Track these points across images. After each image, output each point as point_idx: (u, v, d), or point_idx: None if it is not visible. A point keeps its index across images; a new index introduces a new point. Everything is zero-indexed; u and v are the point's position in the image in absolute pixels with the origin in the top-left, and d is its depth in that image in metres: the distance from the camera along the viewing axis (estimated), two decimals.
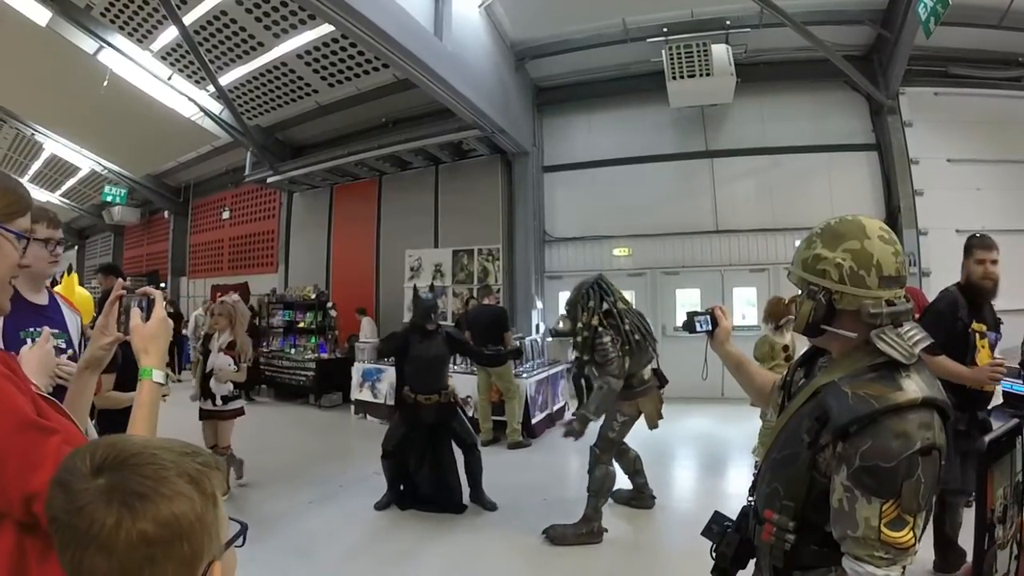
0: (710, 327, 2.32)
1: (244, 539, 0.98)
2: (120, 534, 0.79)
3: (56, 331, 2.50)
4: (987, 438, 0.73)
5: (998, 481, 0.77)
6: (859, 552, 1.45)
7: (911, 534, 1.42)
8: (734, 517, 1.99)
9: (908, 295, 1.69)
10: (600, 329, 5.27)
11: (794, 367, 1.93)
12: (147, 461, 0.85)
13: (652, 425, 5.62)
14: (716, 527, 2.00)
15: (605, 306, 5.41)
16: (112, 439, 0.91)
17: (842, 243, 1.64)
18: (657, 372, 5.76)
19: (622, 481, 6.13)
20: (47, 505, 0.86)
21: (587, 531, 5.22)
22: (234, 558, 0.97)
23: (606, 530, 5.30)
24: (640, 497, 6.06)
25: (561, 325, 5.79)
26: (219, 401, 6.11)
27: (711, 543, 1.99)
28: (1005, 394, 7.93)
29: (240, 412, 6.35)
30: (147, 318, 1.64)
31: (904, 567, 1.45)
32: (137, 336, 1.61)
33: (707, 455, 8.14)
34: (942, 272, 9.49)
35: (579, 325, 5.40)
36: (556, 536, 5.21)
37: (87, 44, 10.76)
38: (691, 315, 2.36)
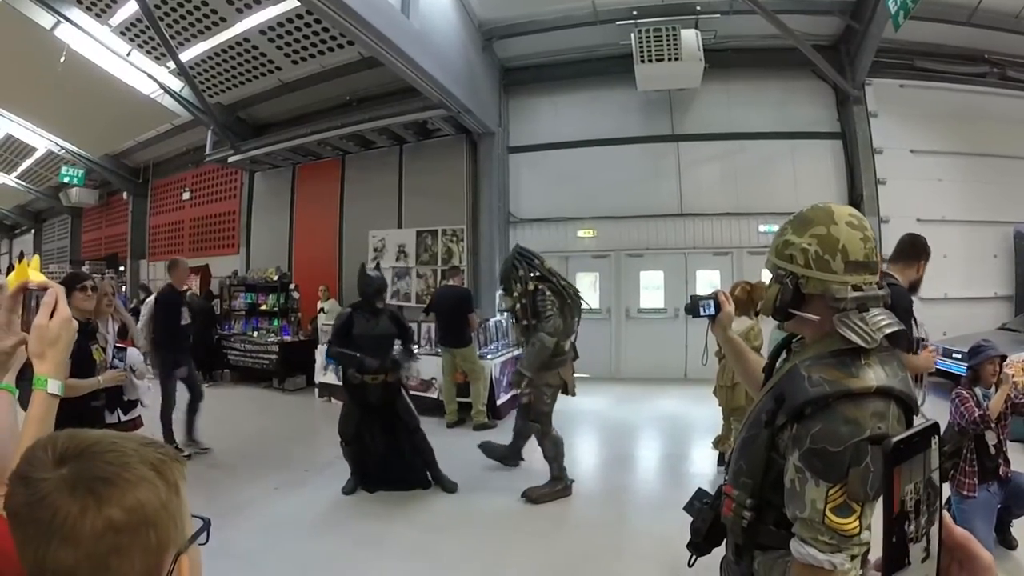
0: (714, 311, 2.30)
1: (208, 536, 0.93)
2: (86, 522, 0.75)
3: None
4: (894, 439, 0.73)
5: (907, 477, 0.75)
6: (804, 534, 1.46)
7: (857, 523, 1.42)
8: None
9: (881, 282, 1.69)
10: (540, 287, 5.72)
11: (776, 351, 1.93)
12: (108, 448, 0.82)
13: (572, 392, 6.04)
14: (696, 503, 2.00)
15: (534, 272, 5.81)
16: (71, 431, 0.88)
17: (809, 228, 1.66)
18: (573, 345, 6.13)
19: (504, 437, 6.76)
20: (7, 503, 0.80)
21: (561, 487, 5.77)
22: (199, 555, 0.93)
23: (573, 480, 5.86)
24: (512, 455, 6.67)
25: (502, 304, 6.30)
26: (125, 411, 4.67)
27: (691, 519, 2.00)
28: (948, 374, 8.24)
29: (140, 423, 4.88)
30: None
31: (853, 556, 1.43)
32: (35, 337, 1.37)
33: (671, 435, 8.21)
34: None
35: (515, 295, 5.79)
36: (535, 496, 5.66)
37: (44, 19, 10.36)
38: (695, 299, 2.34)
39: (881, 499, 0.81)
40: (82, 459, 0.80)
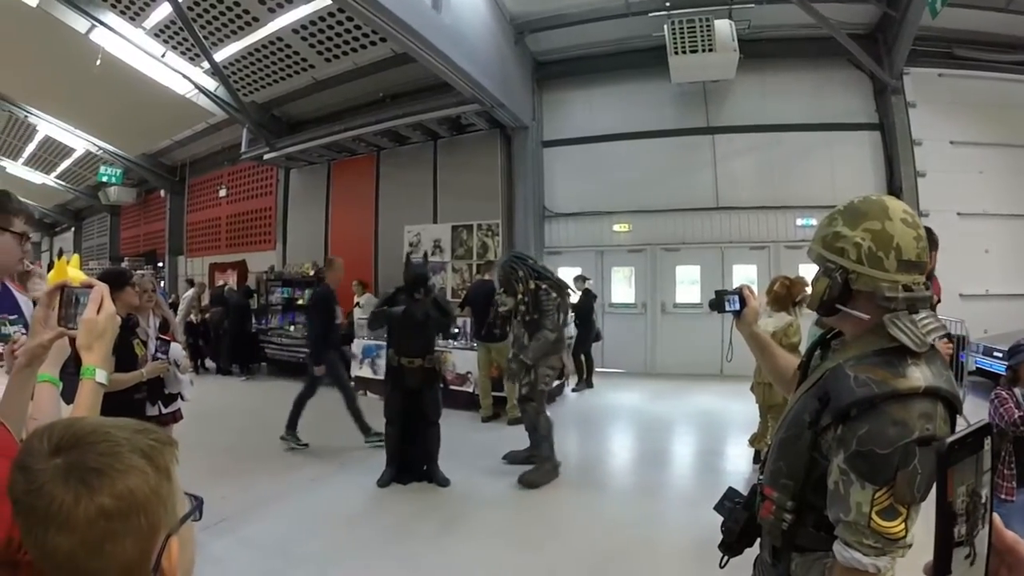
0: (738, 307, 2.26)
1: (200, 514, 0.98)
2: (79, 510, 0.81)
3: (13, 316, 2.47)
4: (948, 440, 0.72)
5: (959, 479, 0.74)
6: (848, 537, 1.42)
7: (903, 526, 1.38)
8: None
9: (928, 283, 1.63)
10: (542, 286, 6.20)
11: (811, 349, 1.89)
12: (101, 439, 0.87)
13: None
14: (728, 503, 1.97)
15: (533, 271, 6.31)
16: (68, 420, 0.94)
17: (863, 222, 1.59)
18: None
19: (518, 443, 6.75)
20: (9, 490, 0.86)
21: (551, 468, 6.14)
22: (192, 532, 0.97)
23: (559, 463, 6.21)
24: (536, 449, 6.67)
25: (502, 308, 6.71)
26: (166, 403, 4.67)
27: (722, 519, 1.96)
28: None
29: (180, 416, 4.89)
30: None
31: (895, 558, 1.41)
32: (84, 331, 1.44)
33: (706, 432, 8.14)
34: (943, 255, 9.45)
35: (519, 296, 6.23)
36: (530, 481, 5.95)
37: (79, 24, 10.65)
38: (719, 294, 2.30)
39: (930, 501, 0.80)
40: (76, 449, 0.84)
